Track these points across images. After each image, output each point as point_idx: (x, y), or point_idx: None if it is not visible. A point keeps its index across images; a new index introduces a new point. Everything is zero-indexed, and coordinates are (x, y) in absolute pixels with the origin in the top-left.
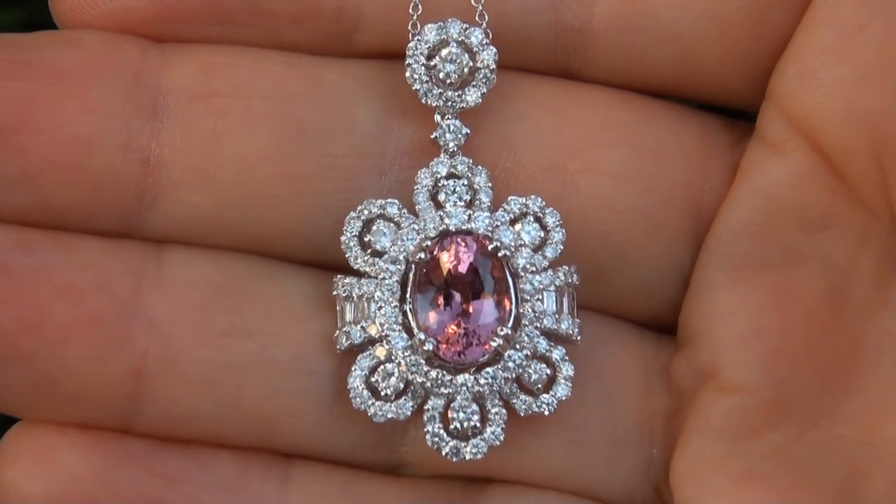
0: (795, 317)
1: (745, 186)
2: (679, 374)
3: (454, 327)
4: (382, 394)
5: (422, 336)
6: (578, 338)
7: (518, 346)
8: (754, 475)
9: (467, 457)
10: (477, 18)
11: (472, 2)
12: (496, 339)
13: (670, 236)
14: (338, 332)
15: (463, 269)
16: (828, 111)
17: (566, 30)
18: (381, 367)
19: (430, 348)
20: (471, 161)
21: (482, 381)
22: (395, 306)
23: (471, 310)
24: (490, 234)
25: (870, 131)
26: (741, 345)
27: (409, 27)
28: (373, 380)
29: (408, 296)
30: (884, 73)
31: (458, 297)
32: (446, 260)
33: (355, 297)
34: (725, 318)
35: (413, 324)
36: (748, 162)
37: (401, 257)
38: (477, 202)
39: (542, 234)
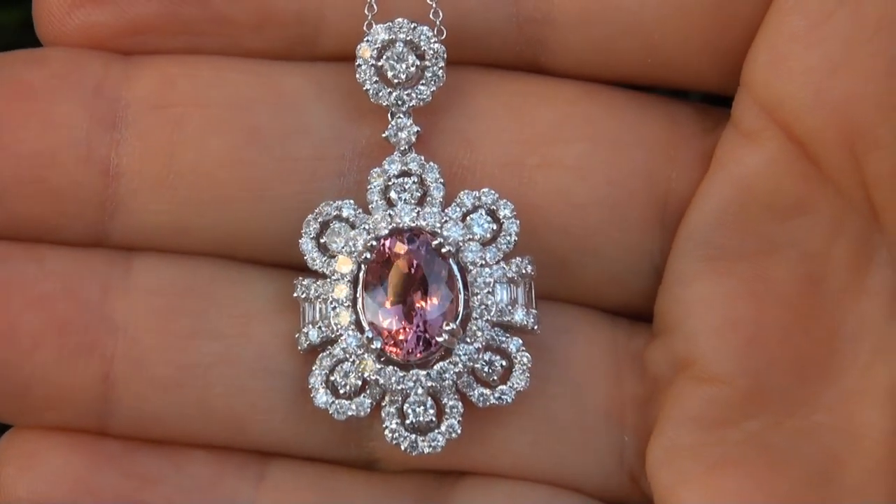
0: (771, 305)
1: (720, 175)
2: (654, 362)
3: (404, 324)
4: (342, 392)
5: (370, 334)
6: (536, 328)
7: (469, 340)
8: (730, 463)
9: (425, 451)
10: (431, 16)
11: (428, 0)
12: (443, 334)
13: (636, 226)
14: (298, 332)
15: (412, 266)
16: (799, 98)
17: (528, 22)
18: (340, 365)
19: (378, 346)
20: (423, 158)
21: (434, 376)
22: (348, 306)
23: (419, 306)
24: (437, 231)
25: (841, 118)
26: (717, 334)
27: (364, 27)
28: (332, 378)
29: (357, 295)
30: (853, 59)
31: (408, 294)
32: (395, 258)
33: (313, 298)
34: (701, 308)
35: (364, 323)
36: (723, 150)
37: (351, 257)
38: (428, 199)
39: (495, 227)
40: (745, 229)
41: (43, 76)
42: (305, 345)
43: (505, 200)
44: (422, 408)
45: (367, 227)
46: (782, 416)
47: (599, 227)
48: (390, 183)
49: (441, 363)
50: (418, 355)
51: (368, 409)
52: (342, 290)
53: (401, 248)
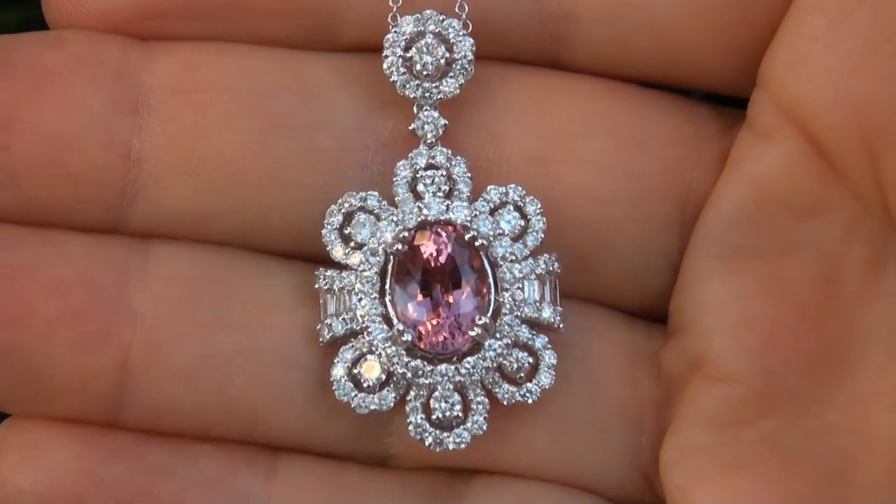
0: (786, 305)
1: (736, 174)
2: (669, 362)
3: (434, 317)
4: (365, 385)
5: (400, 327)
6: (561, 326)
7: (498, 336)
8: (744, 463)
9: (450, 447)
10: (457, 9)
11: None
12: (475, 328)
13: (656, 225)
14: (320, 324)
15: (441, 259)
16: (818, 99)
17: (551, 18)
18: (364, 358)
19: (409, 339)
20: (450, 152)
21: (463, 371)
22: (375, 298)
23: (450, 300)
24: (468, 224)
25: (860, 119)
26: (732, 333)
27: (389, 19)
28: (355, 371)
29: (387, 287)
30: (872, 59)
31: (437, 287)
32: (424, 251)
33: (336, 290)
34: (716, 307)
35: (392, 315)
36: (738, 150)
37: (380, 249)
38: (456, 193)
39: (523, 223)
40: (761, 229)
41: (62, 58)
42: (328, 337)
43: (532, 197)
44: (448, 403)
45: (394, 218)
46: (796, 416)
47: (619, 224)
48: (417, 175)
49: (470, 358)
50: (448, 349)
51: (392, 404)
52: (369, 282)
53: (432, 240)
